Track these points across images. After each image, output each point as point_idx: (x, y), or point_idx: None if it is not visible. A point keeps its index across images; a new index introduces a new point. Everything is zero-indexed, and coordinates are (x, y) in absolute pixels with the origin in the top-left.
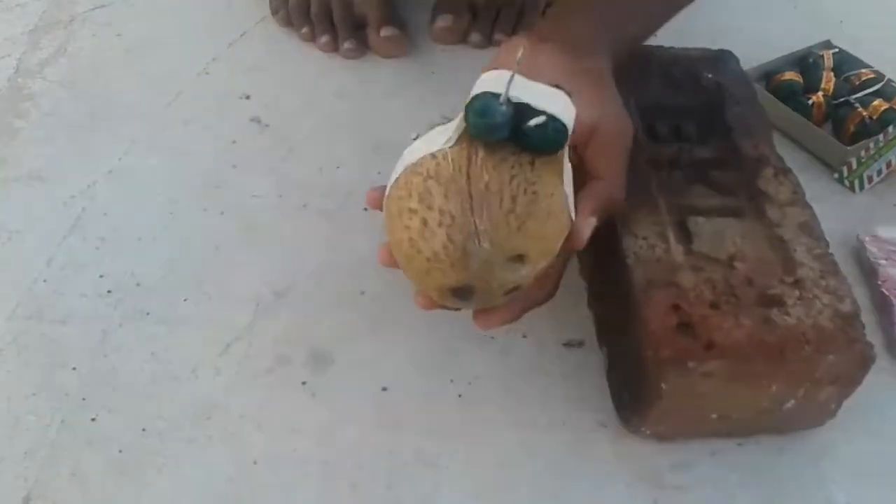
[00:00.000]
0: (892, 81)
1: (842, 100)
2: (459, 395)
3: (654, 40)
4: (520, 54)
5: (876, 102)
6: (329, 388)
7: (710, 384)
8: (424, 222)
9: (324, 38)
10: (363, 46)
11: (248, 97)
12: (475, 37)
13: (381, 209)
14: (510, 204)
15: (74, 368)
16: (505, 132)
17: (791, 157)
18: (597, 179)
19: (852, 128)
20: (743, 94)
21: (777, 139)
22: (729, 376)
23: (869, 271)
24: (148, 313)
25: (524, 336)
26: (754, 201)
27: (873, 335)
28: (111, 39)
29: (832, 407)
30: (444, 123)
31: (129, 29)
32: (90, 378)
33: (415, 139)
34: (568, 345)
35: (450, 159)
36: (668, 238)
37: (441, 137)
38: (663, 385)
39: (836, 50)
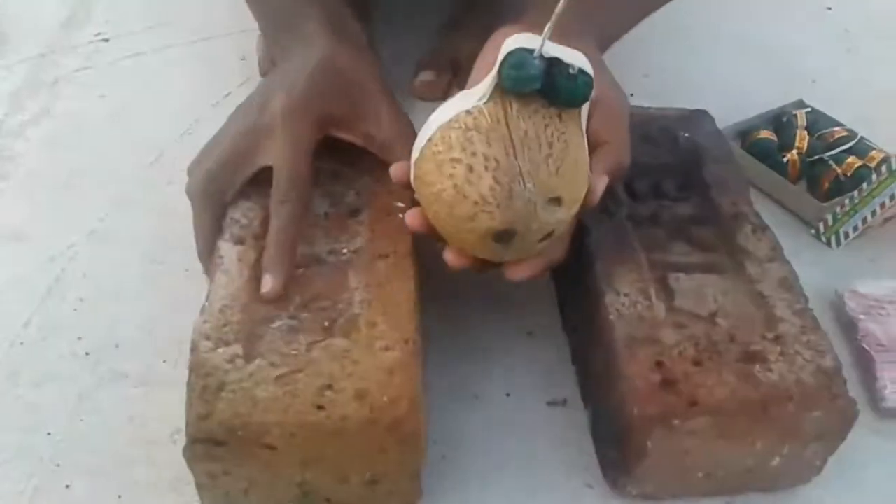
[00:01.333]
0: (865, 139)
1: (816, 157)
2: (443, 457)
3: (632, 101)
4: (560, 7)
5: (850, 160)
6: None
7: (695, 442)
8: (470, 168)
9: None
10: None
11: None
12: (456, 92)
13: (406, 181)
14: (547, 149)
15: (49, 433)
16: (538, 83)
17: (768, 213)
18: (605, 144)
19: (827, 184)
20: (720, 152)
21: (754, 196)
22: (714, 434)
23: (848, 326)
24: (126, 375)
25: (507, 395)
26: (734, 258)
27: (855, 390)
28: (94, 101)
29: (817, 464)
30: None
31: (113, 90)
32: (65, 443)
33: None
34: (552, 403)
35: (486, 112)
36: (650, 295)
37: (469, 99)
38: (649, 443)
39: (809, 109)
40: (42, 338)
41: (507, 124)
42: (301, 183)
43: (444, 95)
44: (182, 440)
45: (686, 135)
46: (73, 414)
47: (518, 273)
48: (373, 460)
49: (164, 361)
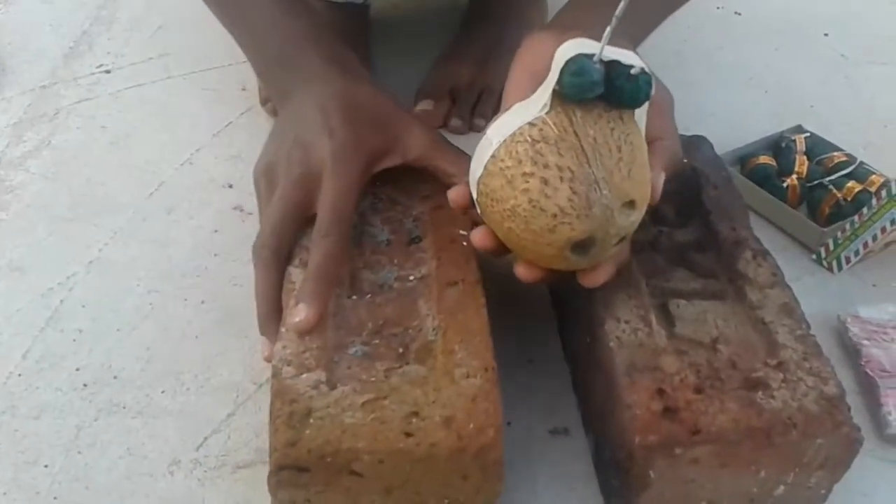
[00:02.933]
0: (864, 164)
1: (815, 182)
2: None
3: None
4: (620, 9)
5: (850, 184)
6: None
7: (698, 470)
8: (544, 181)
9: None
10: None
11: (230, 186)
12: (455, 122)
13: (467, 204)
14: (617, 153)
15: (46, 466)
16: (601, 88)
17: (768, 238)
18: (658, 140)
19: (827, 209)
20: (719, 177)
21: (754, 221)
22: (717, 462)
23: (851, 352)
24: (124, 406)
25: (509, 423)
26: (734, 284)
27: (859, 417)
28: (95, 132)
29: (822, 492)
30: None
31: (114, 121)
32: (62, 476)
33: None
34: (553, 432)
35: (550, 123)
36: (651, 321)
37: (528, 110)
38: (651, 472)
39: (808, 134)
40: (40, 369)
41: (574, 133)
42: (344, 221)
43: (443, 124)
44: (179, 472)
45: (685, 160)
46: (70, 446)
47: (595, 280)
48: (454, 487)
49: (163, 392)
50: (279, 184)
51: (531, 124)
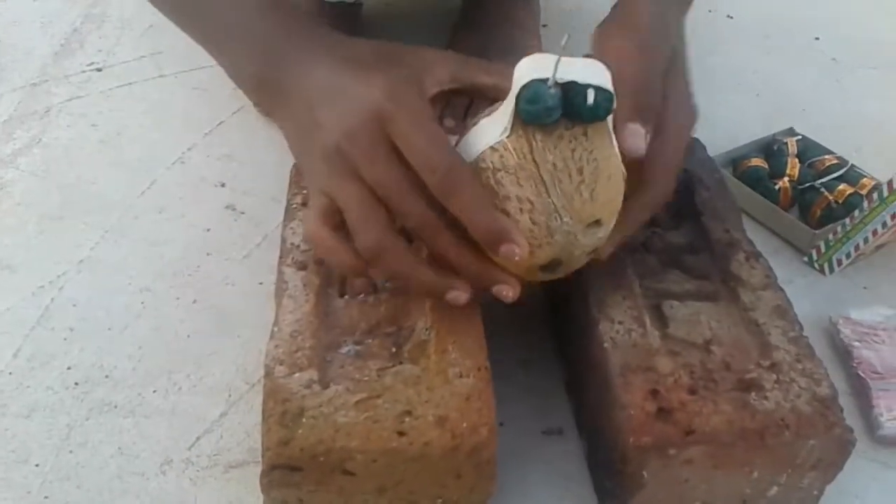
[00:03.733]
0: (856, 167)
1: (807, 185)
2: None
3: None
4: (564, 40)
5: (841, 187)
6: None
7: (691, 471)
8: (505, 213)
9: None
10: None
11: (222, 185)
12: (448, 122)
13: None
14: (578, 176)
15: (37, 465)
16: (558, 114)
17: (760, 240)
18: (647, 180)
19: (819, 212)
20: (711, 179)
21: (746, 223)
22: (710, 463)
23: (843, 353)
24: (115, 406)
25: (502, 424)
26: (727, 285)
27: (851, 418)
28: (86, 130)
29: (815, 493)
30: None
31: (105, 119)
32: (53, 475)
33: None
34: (547, 432)
35: (511, 149)
36: (645, 322)
37: (492, 129)
38: (645, 473)
39: (800, 137)
40: (31, 368)
41: (534, 160)
42: (442, 144)
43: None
44: (171, 471)
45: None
46: (61, 445)
47: None
48: (447, 486)
49: (155, 391)
50: (350, 173)
51: (493, 149)
